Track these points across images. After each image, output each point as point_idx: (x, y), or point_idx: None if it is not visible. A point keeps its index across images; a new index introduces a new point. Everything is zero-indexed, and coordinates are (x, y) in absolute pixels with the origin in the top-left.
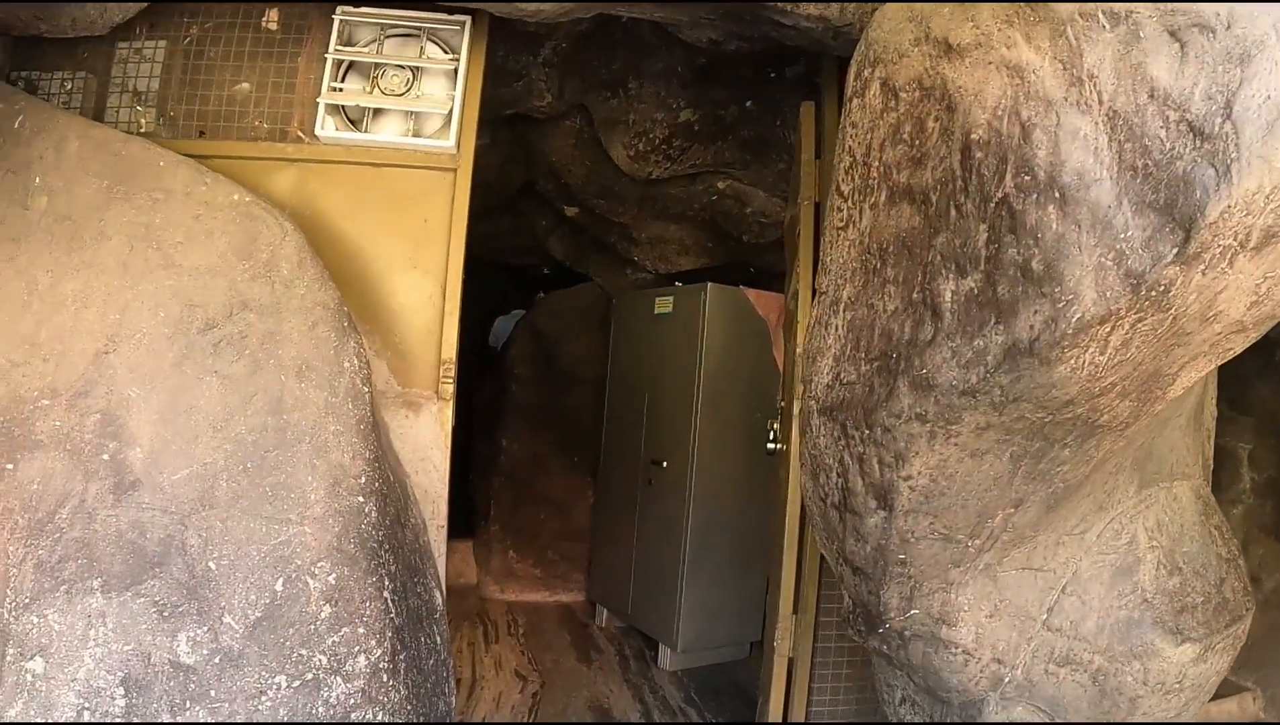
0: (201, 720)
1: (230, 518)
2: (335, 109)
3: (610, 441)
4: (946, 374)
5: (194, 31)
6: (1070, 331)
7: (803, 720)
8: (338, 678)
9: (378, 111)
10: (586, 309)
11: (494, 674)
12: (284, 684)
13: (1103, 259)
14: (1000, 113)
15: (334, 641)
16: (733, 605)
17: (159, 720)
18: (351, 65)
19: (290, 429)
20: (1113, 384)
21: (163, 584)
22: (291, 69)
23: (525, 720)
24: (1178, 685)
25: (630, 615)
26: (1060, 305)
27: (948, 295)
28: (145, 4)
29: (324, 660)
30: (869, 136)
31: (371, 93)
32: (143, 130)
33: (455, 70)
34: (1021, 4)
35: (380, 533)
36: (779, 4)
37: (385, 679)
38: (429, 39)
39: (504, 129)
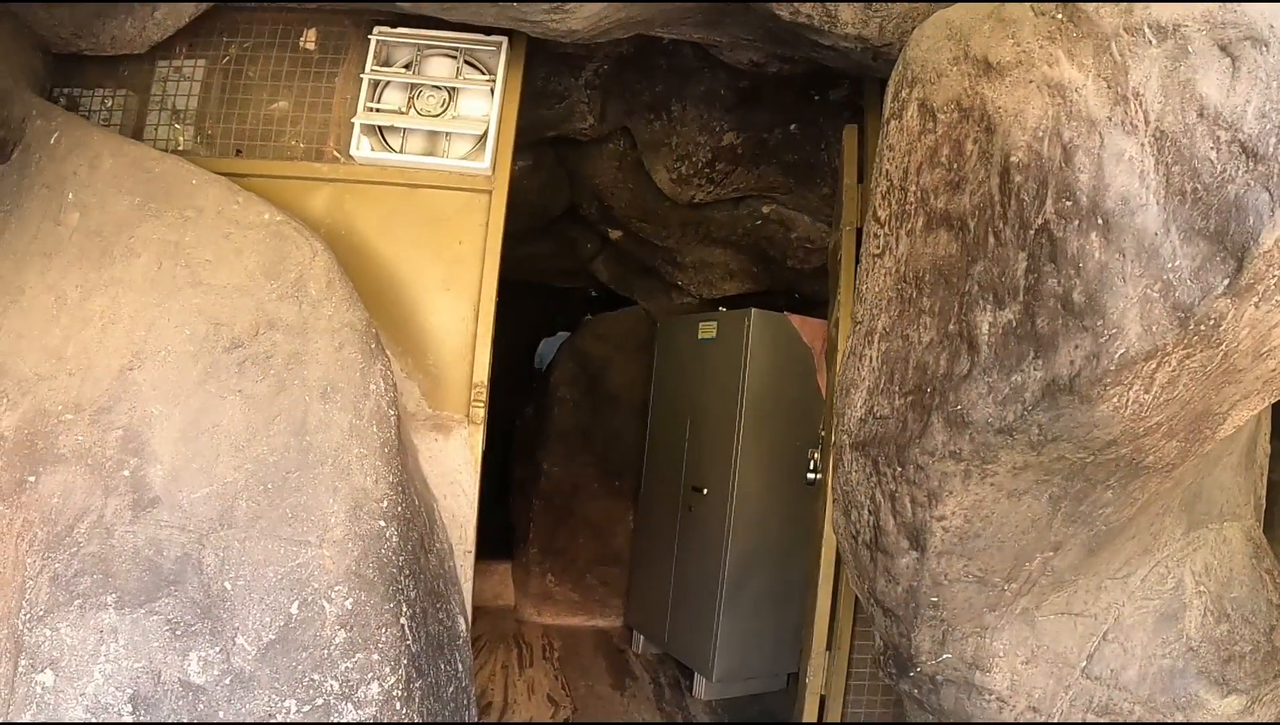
0: None
1: (249, 538)
2: (371, 129)
3: (651, 467)
4: (983, 411)
5: (233, 51)
6: (1113, 368)
7: None
8: (349, 704)
9: (413, 132)
10: (630, 333)
11: (526, 699)
12: (294, 708)
13: (1148, 290)
14: (1041, 134)
15: (347, 667)
16: (770, 636)
17: None
18: (388, 85)
19: (313, 451)
20: (1158, 424)
21: (177, 602)
22: (329, 89)
23: None
24: None
25: (667, 643)
26: (1103, 340)
27: (985, 327)
28: (185, 22)
29: (336, 686)
30: (906, 160)
31: (408, 113)
32: (180, 148)
33: (491, 90)
34: (1064, 20)
35: (401, 558)
36: (815, 25)
37: (398, 706)
38: (465, 59)
39: (546, 151)
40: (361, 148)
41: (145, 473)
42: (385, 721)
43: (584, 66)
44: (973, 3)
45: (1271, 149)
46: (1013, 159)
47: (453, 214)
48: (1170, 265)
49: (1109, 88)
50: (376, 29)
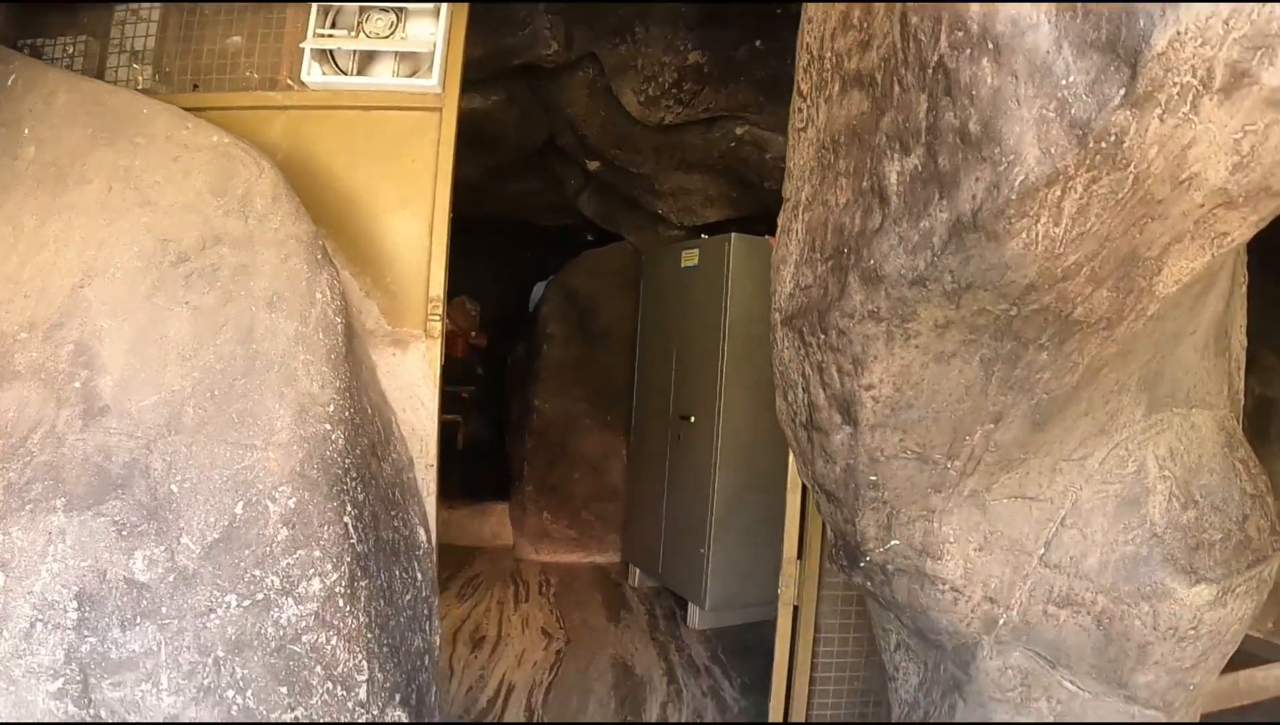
0: (150, 634)
1: (195, 443)
2: (322, 55)
3: (641, 399)
4: (894, 262)
5: None
6: (1015, 197)
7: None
8: (289, 599)
9: (368, 59)
10: (619, 268)
11: (520, 632)
12: (234, 603)
13: (1044, 111)
14: None
15: (288, 563)
16: (763, 563)
17: (109, 633)
18: (339, 12)
19: (259, 358)
20: (1077, 265)
21: (124, 504)
22: (280, 19)
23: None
24: (1193, 631)
25: (661, 575)
26: (1001, 168)
27: (893, 178)
28: None
29: (276, 582)
30: (823, 29)
31: (357, 37)
32: (140, 87)
33: (438, 10)
34: None
35: (347, 460)
36: None
37: (341, 604)
38: None
39: (519, 83)
40: (313, 73)
41: (95, 383)
42: (328, 617)
43: None
44: None
45: None
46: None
47: (405, 134)
48: (1064, 82)
49: None
50: None
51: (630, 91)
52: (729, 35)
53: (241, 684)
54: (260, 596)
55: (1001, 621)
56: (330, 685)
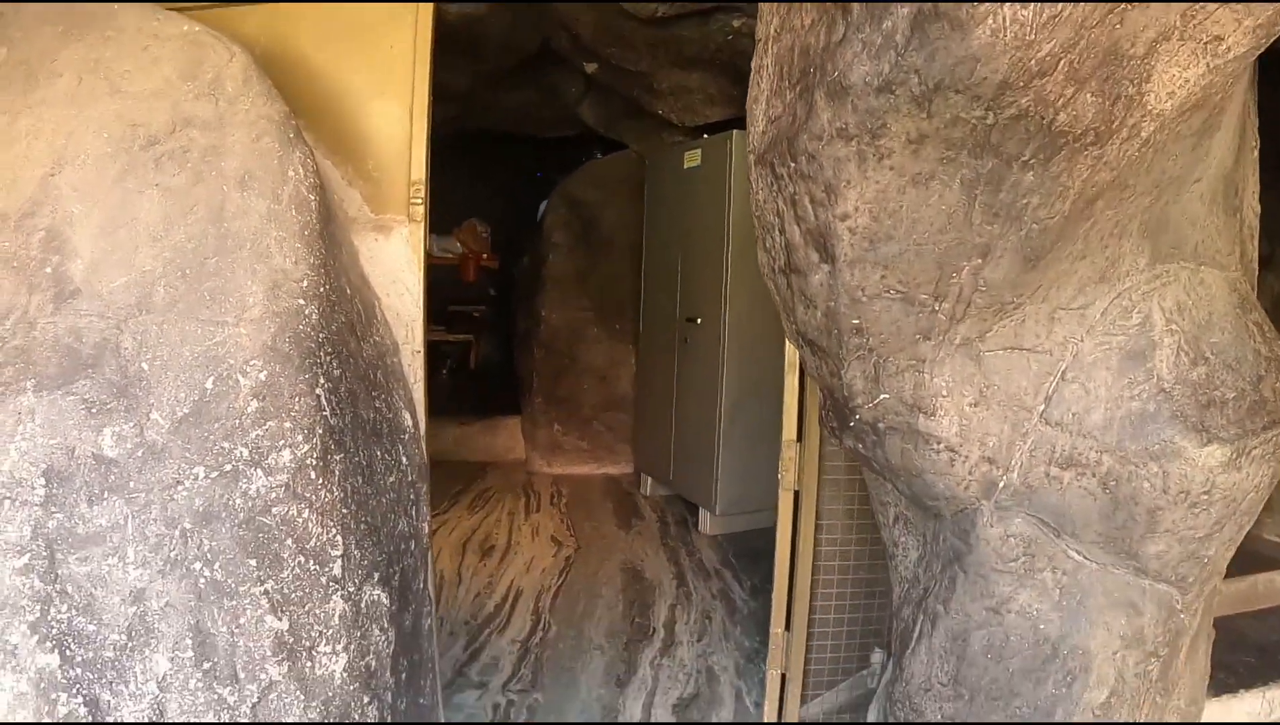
0: (118, 508)
1: (166, 321)
2: None
3: (648, 305)
4: (859, 70)
5: None
6: None
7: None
8: (258, 470)
9: None
10: (623, 177)
11: (530, 540)
12: (201, 475)
13: None
14: None
15: (258, 435)
16: (773, 465)
17: (77, 508)
18: None
19: (231, 237)
20: (1053, 57)
21: (93, 383)
22: None
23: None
24: (1205, 496)
25: (672, 482)
26: None
27: None
28: None
29: (245, 453)
30: None
31: None
32: None
33: None
34: None
35: (321, 335)
36: None
37: (313, 476)
38: None
39: None
40: None
41: (66, 268)
42: (299, 489)
43: None
44: None
45: None
46: None
47: (382, 21)
48: None
49: None
50: None
51: None
52: None
53: (209, 556)
54: (228, 468)
55: (1001, 484)
56: (302, 559)
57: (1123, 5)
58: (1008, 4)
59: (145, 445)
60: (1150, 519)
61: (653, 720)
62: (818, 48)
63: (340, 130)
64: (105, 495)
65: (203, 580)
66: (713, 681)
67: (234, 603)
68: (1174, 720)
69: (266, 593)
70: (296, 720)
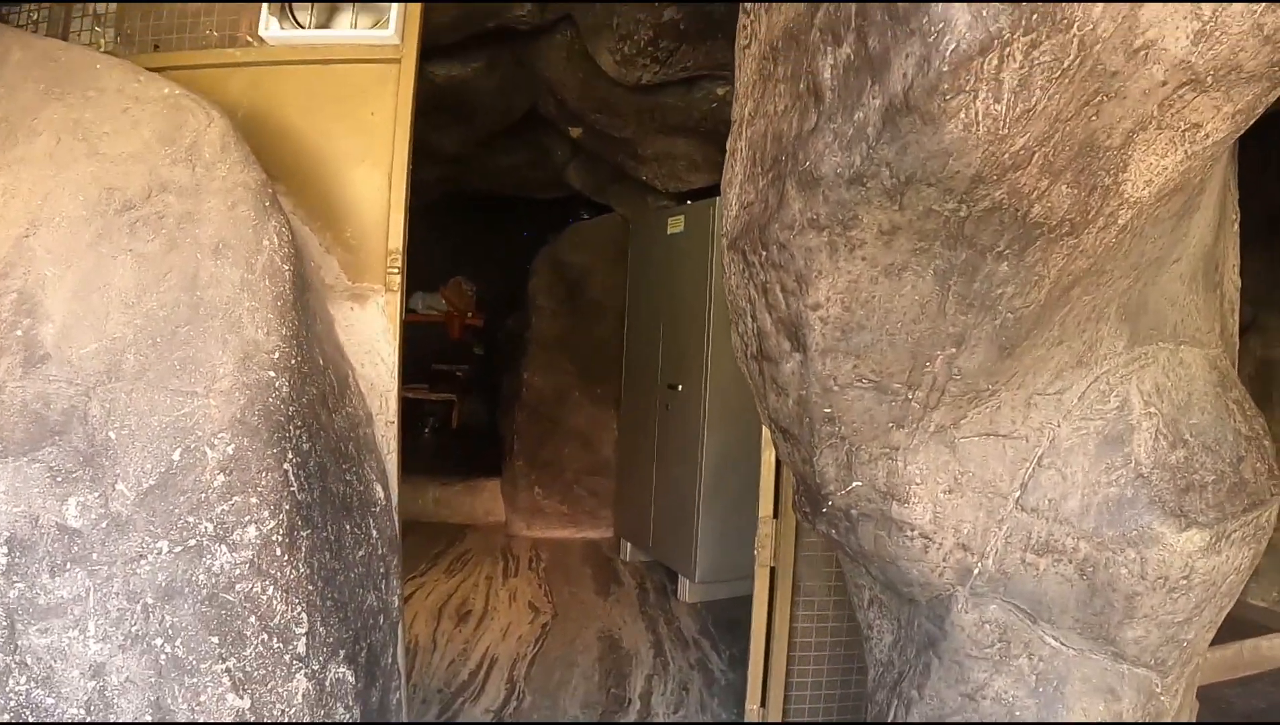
0: (80, 580)
1: (135, 390)
2: (281, 10)
3: (630, 370)
4: (830, 161)
5: None
6: (947, 69)
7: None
8: (223, 546)
9: (328, 14)
10: (608, 240)
11: (507, 606)
12: (165, 549)
13: None
14: None
15: (223, 510)
16: (753, 533)
17: (38, 579)
18: None
19: (203, 305)
20: (1027, 151)
21: (60, 451)
22: None
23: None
24: (1184, 581)
25: (651, 548)
26: (931, 39)
27: (827, 73)
28: None
29: (210, 528)
30: None
31: None
32: (103, 49)
33: None
34: None
35: (290, 408)
36: None
37: (279, 553)
38: None
39: (498, 49)
40: (271, 28)
41: (37, 332)
42: (264, 566)
43: None
44: None
45: None
46: None
47: (365, 87)
48: None
49: None
50: None
51: (606, 51)
52: None
53: (170, 632)
54: (192, 543)
55: (976, 571)
56: (265, 637)
57: (1098, 98)
58: (980, 99)
59: (110, 516)
60: (1128, 605)
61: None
62: (790, 135)
63: (320, 196)
64: (68, 566)
65: (164, 657)
66: None
67: (195, 680)
68: None
69: (228, 670)
70: None
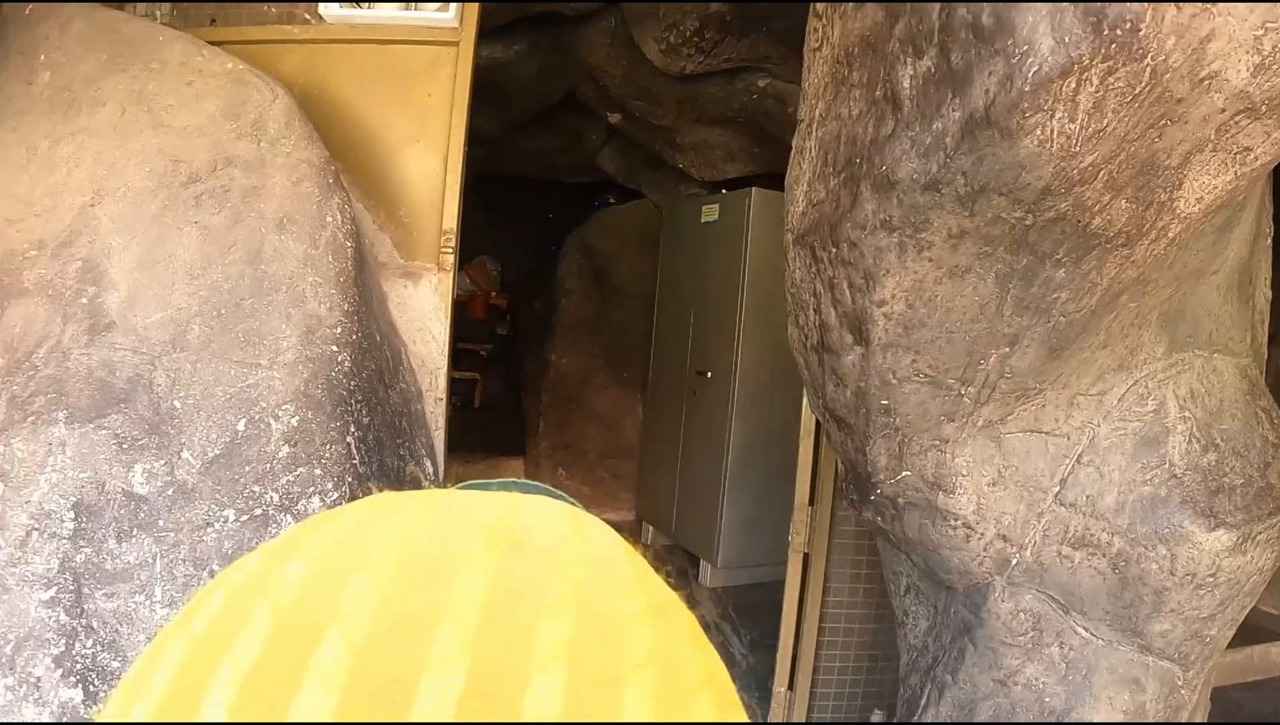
0: (146, 546)
1: (200, 360)
2: None
3: (658, 355)
4: (907, 166)
5: None
6: (1028, 89)
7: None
8: (288, 516)
9: None
10: (638, 226)
11: None
12: (232, 518)
13: None
14: None
15: (288, 481)
16: (776, 521)
17: (105, 544)
18: None
19: (267, 279)
20: (1094, 168)
21: (126, 418)
22: None
23: None
24: (1211, 578)
25: (674, 532)
26: (1015, 60)
27: (906, 82)
28: None
29: (276, 498)
30: None
31: None
32: (159, 23)
33: None
34: None
35: (353, 383)
36: None
37: None
38: None
39: (540, 33)
40: (330, 7)
41: (102, 300)
42: None
43: None
44: None
45: None
46: None
47: (421, 68)
48: None
49: None
50: None
51: (652, 40)
52: None
53: None
54: (259, 512)
55: (1014, 562)
56: None
57: (1163, 122)
58: (1056, 118)
59: (175, 484)
60: (1157, 599)
61: None
62: (865, 139)
63: (373, 174)
64: (134, 532)
65: None
66: None
67: None
68: None
69: None
70: None
